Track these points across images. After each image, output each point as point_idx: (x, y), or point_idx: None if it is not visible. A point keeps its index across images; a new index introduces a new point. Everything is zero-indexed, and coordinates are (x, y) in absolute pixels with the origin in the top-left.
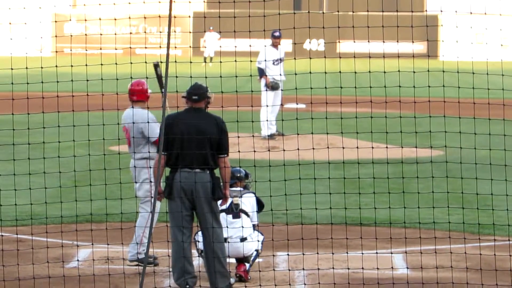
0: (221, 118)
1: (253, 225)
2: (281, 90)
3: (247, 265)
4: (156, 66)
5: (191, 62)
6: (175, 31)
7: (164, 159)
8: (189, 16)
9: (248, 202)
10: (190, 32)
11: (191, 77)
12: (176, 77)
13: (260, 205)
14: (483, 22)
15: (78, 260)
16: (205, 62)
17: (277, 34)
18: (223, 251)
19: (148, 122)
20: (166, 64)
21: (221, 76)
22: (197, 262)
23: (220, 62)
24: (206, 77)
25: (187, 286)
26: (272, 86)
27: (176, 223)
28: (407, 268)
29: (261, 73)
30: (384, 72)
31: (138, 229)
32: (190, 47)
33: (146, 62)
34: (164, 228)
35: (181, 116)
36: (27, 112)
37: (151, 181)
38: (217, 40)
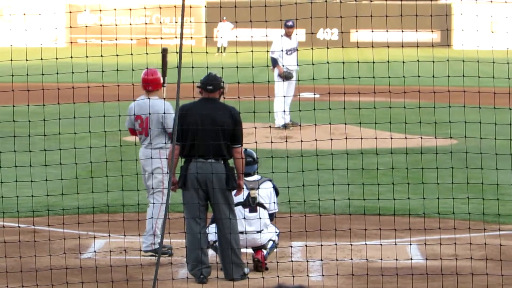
0: (236, 108)
1: (272, 214)
2: (295, 80)
3: (265, 251)
4: (164, 51)
5: (207, 53)
6: (191, 21)
7: (178, 149)
8: (205, 6)
9: (265, 193)
10: (206, 22)
11: (207, 67)
12: (192, 67)
13: (276, 192)
14: (503, 11)
15: (95, 252)
16: (218, 52)
17: (290, 23)
18: (237, 241)
19: (164, 113)
20: (180, 55)
21: (237, 67)
22: (210, 252)
23: (237, 52)
24: (222, 68)
25: (202, 276)
26: (286, 76)
27: (191, 214)
28: (426, 258)
29: (274, 63)
30: (403, 62)
31: (153, 219)
32: (205, 37)
33: (161, 53)
34: (179, 218)
35: (195, 106)
36: (43, 103)
37: (165, 172)
38: (230, 30)
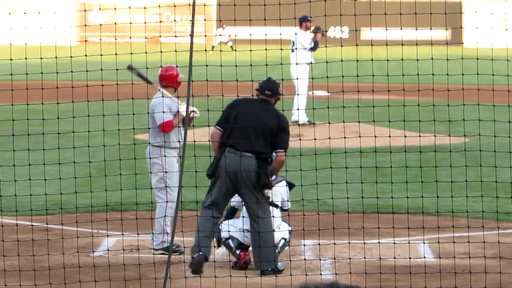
0: (286, 117)
1: (285, 210)
2: (308, 78)
3: (276, 250)
4: (130, 68)
5: (221, 51)
6: (205, 20)
7: (220, 134)
8: (219, 4)
9: (278, 192)
10: (219, 20)
11: (221, 65)
12: (206, 65)
13: (290, 186)
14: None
15: (108, 250)
16: (212, 50)
17: (310, 18)
18: (269, 238)
19: (148, 112)
20: (190, 53)
21: (251, 65)
22: (223, 250)
23: (250, 50)
24: (236, 66)
25: (200, 253)
26: (322, 32)
27: (208, 199)
28: (439, 256)
29: (316, 45)
30: (417, 60)
31: (160, 219)
32: (219, 35)
33: (176, 51)
34: (191, 217)
35: (247, 102)
36: (57, 101)
37: (166, 170)
38: (224, 39)
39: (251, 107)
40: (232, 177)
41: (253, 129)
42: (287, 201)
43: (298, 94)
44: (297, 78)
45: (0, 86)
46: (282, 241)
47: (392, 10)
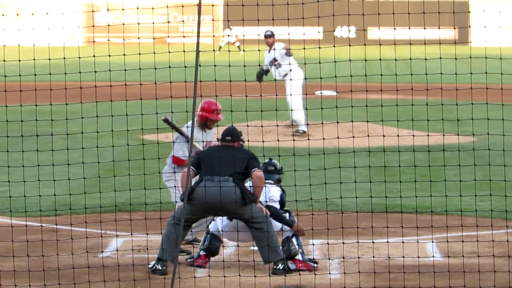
0: (252, 152)
1: (271, 207)
2: (302, 79)
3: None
4: (165, 121)
5: (229, 51)
6: (213, 20)
7: (193, 173)
8: (227, 4)
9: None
10: (227, 21)
11: (229, 65)
12: (215, 66)
13: (281, 204)
14: None
15: (117, 250)
16: (219, 50)
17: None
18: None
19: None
20: (196, 53)
21: (259, 65)
22: (232, 250)
23: (258, 50)
24: (244, 66)
25: (164, 268)
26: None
27: (179, 218)
28: (448, 256)
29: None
30: (425, 59)
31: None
32: (227, 35)
33: (184, 51)
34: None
35: (213, 148)
36: (65, 102)
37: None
38: (232, 39)
39: (218, 152)
40: (212, 205)
41: (225, 163)
42: (271, 198)
43: (291, 94)
44: (291, 79)
45: (9, 87)
46: (294, 238)
47: (399, 10)
